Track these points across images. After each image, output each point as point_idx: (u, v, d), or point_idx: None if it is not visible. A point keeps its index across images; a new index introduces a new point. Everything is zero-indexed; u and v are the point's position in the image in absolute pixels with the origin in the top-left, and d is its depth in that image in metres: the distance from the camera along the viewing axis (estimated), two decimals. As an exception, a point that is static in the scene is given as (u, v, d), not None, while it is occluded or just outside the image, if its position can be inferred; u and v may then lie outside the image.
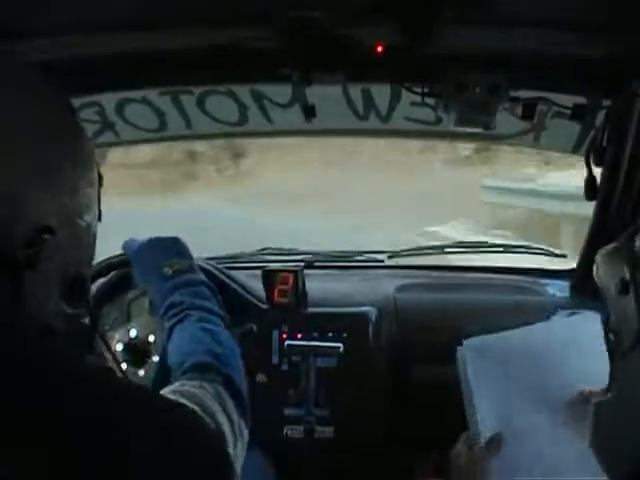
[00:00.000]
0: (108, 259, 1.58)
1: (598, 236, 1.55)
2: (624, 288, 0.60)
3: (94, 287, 1.60)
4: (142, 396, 0.60)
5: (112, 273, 1.61)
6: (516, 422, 1.05)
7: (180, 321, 0.99)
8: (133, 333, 1.49)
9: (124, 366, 1.46)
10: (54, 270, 0.59)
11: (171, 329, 0.99)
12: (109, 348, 1.50)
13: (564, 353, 1.03)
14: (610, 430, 0.64)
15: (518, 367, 1.07)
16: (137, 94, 1.46)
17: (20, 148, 0.57)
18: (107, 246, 1.11)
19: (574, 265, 1.75)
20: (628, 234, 0.61)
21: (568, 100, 1.33)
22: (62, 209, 0.60)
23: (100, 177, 0.71)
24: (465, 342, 1.12)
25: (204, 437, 0.60)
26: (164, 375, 1.44)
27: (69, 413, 0.51)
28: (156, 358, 1.47)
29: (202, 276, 1.12)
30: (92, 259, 0.68)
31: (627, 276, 0.60)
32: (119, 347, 1.47)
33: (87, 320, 1.56)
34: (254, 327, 1.54)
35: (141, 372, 1.46)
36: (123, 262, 1.59)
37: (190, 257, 1.15)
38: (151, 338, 1.49)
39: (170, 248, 1.14)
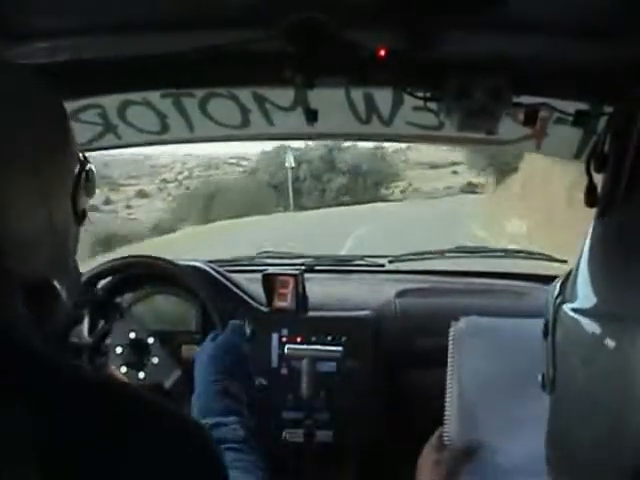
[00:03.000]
0: (107, 262, 1.58)
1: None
2: (546, 330, 0.61)
3: (95, 289, 1.60)
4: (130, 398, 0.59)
5: (112, 276, 1.61)
6: (494, 431, 1.04)
7: (224, 450, 0.99)
8: (132, 335, 1.49)
9: (124, 369, 1.46)
10: (9, 274, 0.56)
11: None
12: (106, 351, 1.50)
13: None
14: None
15: (511, 358, 1.05)
16: (139, 96, 1.46)
17: None
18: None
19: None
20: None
21: (570, 106, 1.33)
22: (14, 214, 0.56)
23: (88, 173, 0.67)
24: (462, 319, 1.11)
25: (203, 447, 0.59)
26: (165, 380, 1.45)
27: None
28: (156, 360, 1.47)
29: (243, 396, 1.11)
30: (62, 262, 0.64)
31: (550, 320, 0.60)
32: (118, 350, 1.47)
33: (86, 321, 1.56)
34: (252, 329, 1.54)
35: (141, 374, 1.46)
36: (122, 265, 1.60)
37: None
38: (150, 340, 1.48)
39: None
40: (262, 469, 0.99)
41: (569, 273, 0.59)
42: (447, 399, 1.08)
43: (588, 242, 0.57)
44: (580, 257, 0.57)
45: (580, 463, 0.55)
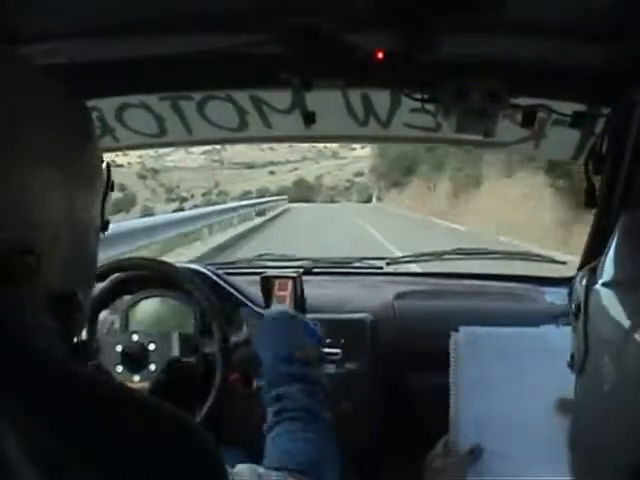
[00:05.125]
0: (105, 264, 1.58)
1: (597, 244, 1.55)
2: (577, 311, 0.62)
3: (93, 291, 1.60)
4: (135, 401, 0.59)
5: (110, 278, 1.61)
6: (497, 437, 1.05)
7: (286, 420, 1.01)
8: (135, 338, 1.49)
9: (122, 372, 1.45)
10: (37, 287, 0.56)
11: (276, 423, 1.01)
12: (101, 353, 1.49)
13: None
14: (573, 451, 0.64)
15: (510, 367, 1.07)
16: (137, 99, 1.46)
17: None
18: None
19: (573, 273, 1.75)
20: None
21: (568, 107, 1.33)
22: (49, 228, 0.57)
23: (112, 184, 0.68)
24: (461, 329, 1.12)
25: (204, 450, 0.59)
26: (163, 385, 1.44)
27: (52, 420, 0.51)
28: (153, 367, 1.46)
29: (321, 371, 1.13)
30: (88, 273, 0.64)
31: (582, 300, 0.61)
32: (116, 352, 1.47)
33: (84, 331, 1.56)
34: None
35: (136, 377, 1.45)
36: (120, 267, 1.59)
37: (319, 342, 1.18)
38: (151, 347, 1.48)
39: (304, 330, 1.17)
40: (324, 437, 1.00)
41: (599, 258, 0.60)
42: (451, 407, 1.09)
43: (620, 229, 0.59)
44: (612, 240, 0.58)
45: (605, 443, 0.55)
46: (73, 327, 0.63)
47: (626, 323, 0.50)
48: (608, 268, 0.57)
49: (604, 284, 0.56)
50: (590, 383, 0.58)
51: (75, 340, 1.35)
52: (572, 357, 0.62)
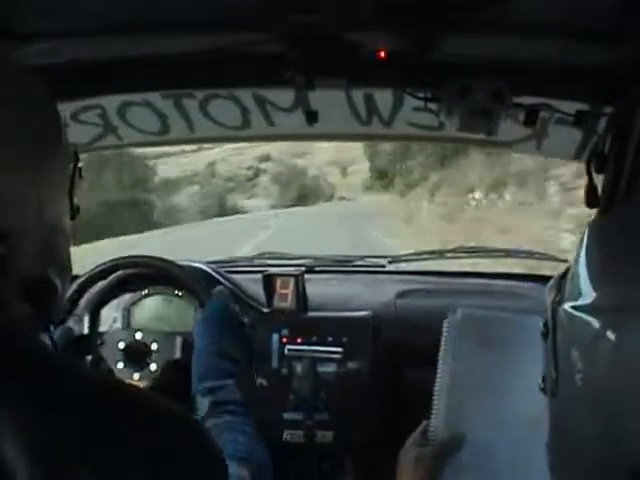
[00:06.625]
0: (107, 262, 1.58)
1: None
2: (546, 332, 0.60)
3: (94, 289, 1.60)
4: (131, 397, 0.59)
5: (112, 276, 1.61)
6: (483, 428, 1.01)
7: (225, 412, 1.02)
8: (139, 336, 1.49)
9: (123, 369, 1.45)
10: (12, 274, 0.56)
11: (214, 413, 1.02)
12: (101, 350, 1.49)
13: None
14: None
15: (505, 354, 1.02)
16: (139, 97, 1.46)
17: None
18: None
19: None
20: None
21: (570, 107, 1.33)
22: (22, 214, 0.57)
23: (80, 170, 0.70)
24: (459, 310, 1.08)
25: (204, 445, 0.59)
26: (162, 386, 1.44)
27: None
28: (154, 366, 1.47)
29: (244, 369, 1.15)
30: (57, 256, 0.64)
31: (549, 321, 0.59)
32: (118, 350, 1.47)
33: (86, 321, 1.56)
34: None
35: (135, 376, 1.45)
36: (122, 265, 1.60)
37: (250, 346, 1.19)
38: (154, 346, 1.48)
39: (236, 330, 1.17)
40: (255, 429, 1.02)
41: (565, 272, 0.59)
42: (435, 391, 1.06)
43: (586, 241, 0.56)
44: (578, 256, 0.56)
45: (582, 466, 0.54)
46: (50, 311, 0.63)
47: (596, 324, 0.49)
48: (580, 283, 0.55)
49: (574, 306, 0.54)
50: (563, 403, 0.57)
51: (77, 334, 1.36)
52: (543, 379, 0.60)
